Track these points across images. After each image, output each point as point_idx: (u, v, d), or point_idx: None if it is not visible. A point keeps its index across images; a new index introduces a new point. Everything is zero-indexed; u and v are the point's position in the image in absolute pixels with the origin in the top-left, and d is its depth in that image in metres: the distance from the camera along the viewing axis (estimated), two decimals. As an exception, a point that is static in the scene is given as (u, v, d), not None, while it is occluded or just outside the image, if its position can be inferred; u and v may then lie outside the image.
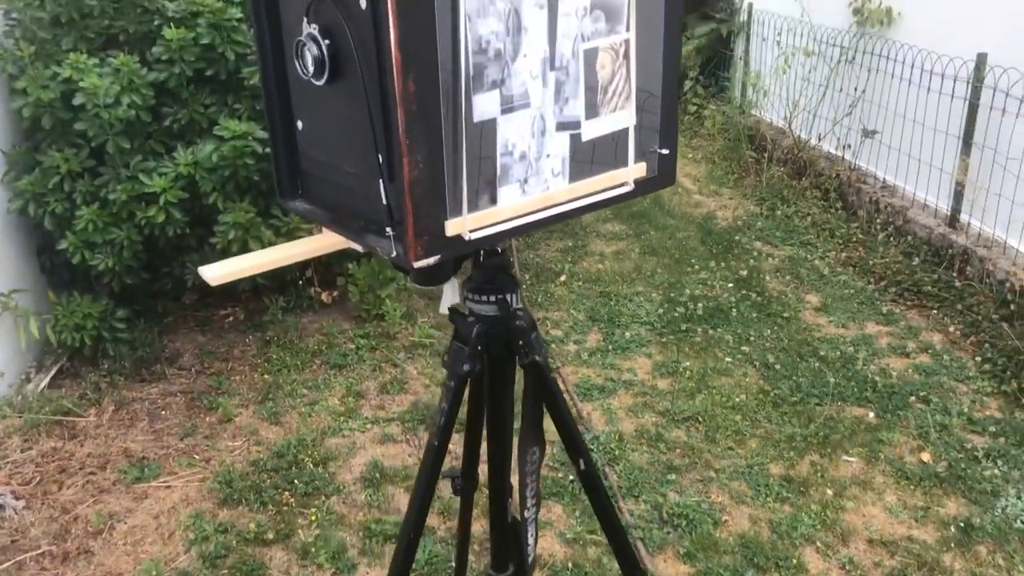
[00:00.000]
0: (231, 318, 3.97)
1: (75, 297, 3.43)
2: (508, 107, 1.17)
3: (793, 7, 5.71)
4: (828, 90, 5.42)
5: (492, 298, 1.42)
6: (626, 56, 1.27)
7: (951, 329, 3.85)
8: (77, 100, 3.15)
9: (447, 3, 1.08)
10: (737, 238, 4.89)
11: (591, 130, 1.28)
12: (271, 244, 3.42)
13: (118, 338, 3.50)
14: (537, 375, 1.47)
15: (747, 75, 6.43)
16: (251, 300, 4.01)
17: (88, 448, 3.09)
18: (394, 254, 1.16)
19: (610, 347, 3.73)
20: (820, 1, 5.44)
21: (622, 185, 1.33)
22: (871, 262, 4.46)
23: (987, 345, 3.64)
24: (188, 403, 3.37)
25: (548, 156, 1.24)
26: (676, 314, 4.02)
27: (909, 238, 4.50)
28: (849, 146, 5.25)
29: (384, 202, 1.14)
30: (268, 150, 3.33)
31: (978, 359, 3.59)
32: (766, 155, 5.79)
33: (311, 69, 1.17)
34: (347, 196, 1.26)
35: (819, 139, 5.52)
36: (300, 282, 4.02)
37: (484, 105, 1.15)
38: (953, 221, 4.35)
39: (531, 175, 1.23)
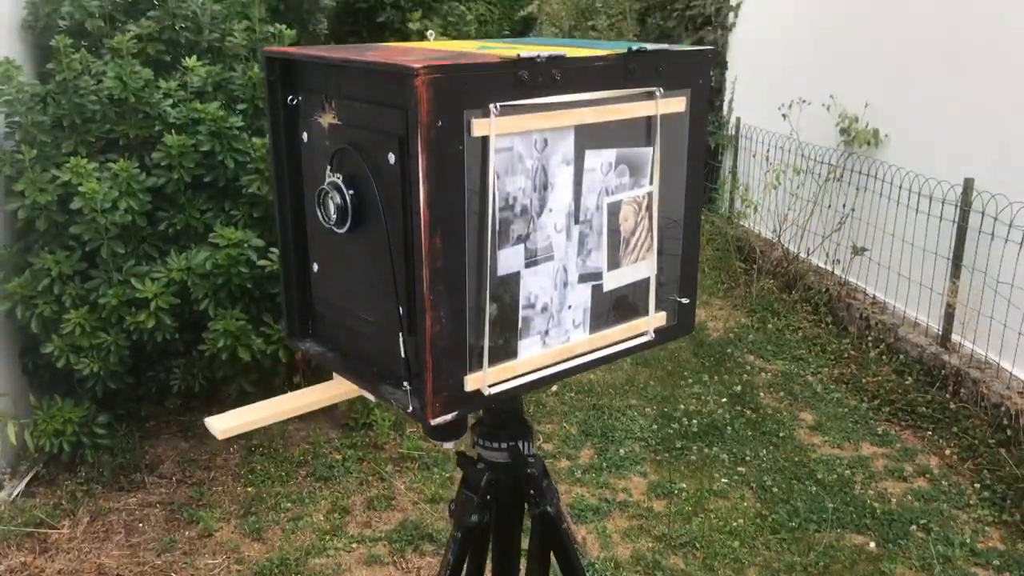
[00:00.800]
0: (215, 424, 3.87)
1: (56, 401, 3.34)
2: (532, 260, 1.15)
3: (781, 124, 5.85)
4: (817, 206, 5.50)
5: (504, 445, 1.37)
6: (648, 208, 1.26)
7: (947, 452, 3.81)
8: (75, 204, 3.13)
9: (476, 162, 1.06)
10: (729, 351, 4.87)
11: (613, 281, 1.25)
12: (261, 353, 3.36)
13: (98, 444, 3.40)
14: (548, 526, 1.41)
15: (735, 187, 6.54)
16: (237, 405, 3.91)
17: (60, 563, 2.96)
18: (411, 408, 1.12)
19: (604, 464, 3.65)
20: (808, 119, 5.58)
21: (642, 335, 1.30)
22: (864, 380, 4.44)
23: (985, 472, 3.59)
24: (167, 515, 3.25)
25: (570, 307, 1.21)
26: (671, 431, 3.96)
27: (901, 356, 4.50)
28: (838, 261, 5.30)
29: (403, 355, 1.11)
30: (262, 261, 3.31)
31: (977, 486, 3.53)
32: (755, 266, 5.84)
33: (333, 217, 1.15)
34: (362, 343, 1.23)
35: (808, 253, 5.58)
36: (287, 387, 3.94)
37: (509, 259, 1.12)
38: (945, 341, 4.36)
39: (552, 327, 1.20)
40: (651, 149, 1.22)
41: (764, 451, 3.81)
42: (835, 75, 5.48)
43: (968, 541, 3.19)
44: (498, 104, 1.04)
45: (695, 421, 4.03)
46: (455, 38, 4.41)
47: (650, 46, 1.20)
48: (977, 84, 4.30)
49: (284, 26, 3.61)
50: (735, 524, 3.26)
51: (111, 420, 3.47)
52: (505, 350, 1.16)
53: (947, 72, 4.52)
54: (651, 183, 1.24)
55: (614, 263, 1.25)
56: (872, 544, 3.16)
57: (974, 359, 4.14)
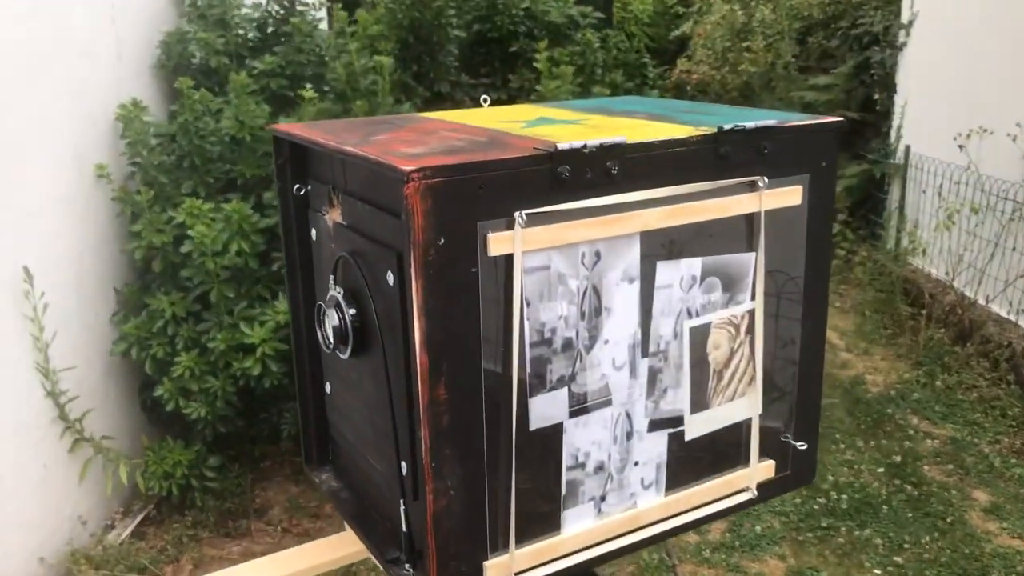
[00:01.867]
0: (328, 468, 3.76)
1: (168, 442, 3.30)
2: (580, 407, 0.87)
3: (957, 154, 5.23)
4: (999, 247, 4.87)
5: None
6: (750, 331, 0.95)
7: None
8: (184, 248, 3.08)
9: (498, 286, 0.80)
10: (890, 410, 4.34)
11: (698, 426, 0.96)
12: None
13: (207, 487, 3.33)
14: None
15: (902, 223, 5.94)
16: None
17: (156, 616, 2.88)
18: None
19: (736, 542, 3.27)
20: (989, 150, 4.95)
21: (741, 492, 0.99)
22: (1052, 453, 3.83)
23: None
24: (267, 569, 3.13)
25: (637, 464, 0.92)
26: (816, 505, 3.52)
27: (1099, 428, 3.86)
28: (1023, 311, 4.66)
29: (404, 527, 0.86)
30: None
31: None
32: (924, 312, 5.24)
33: (331, 339, 0.92)
34: (373, 491, 0.99)
35: (988, 300, 4.94)
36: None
37: (546, 408, 0.85)
38: None
39: (611, 490, 0.91)
40: (752, 255, 0.92)
41: (927, 537, 3.31)
42: (1023, 101, 4.84)
43: None
44: (524, 213, 0.77)
45: (845, 495, 3.57)
46: (581, 67, 4.14)
47: (751, 122, 0.90)
48: None
49: (383, 56, 3.44)
50: (887, 629, 2.81)
51: (222, 462, 3.41)
52: (544, 523, 0.88)
53: None
54: (752, 298, 0.94)
55: (701, 403, 0.95)
56: (1059, 672, 2.64)
57: None
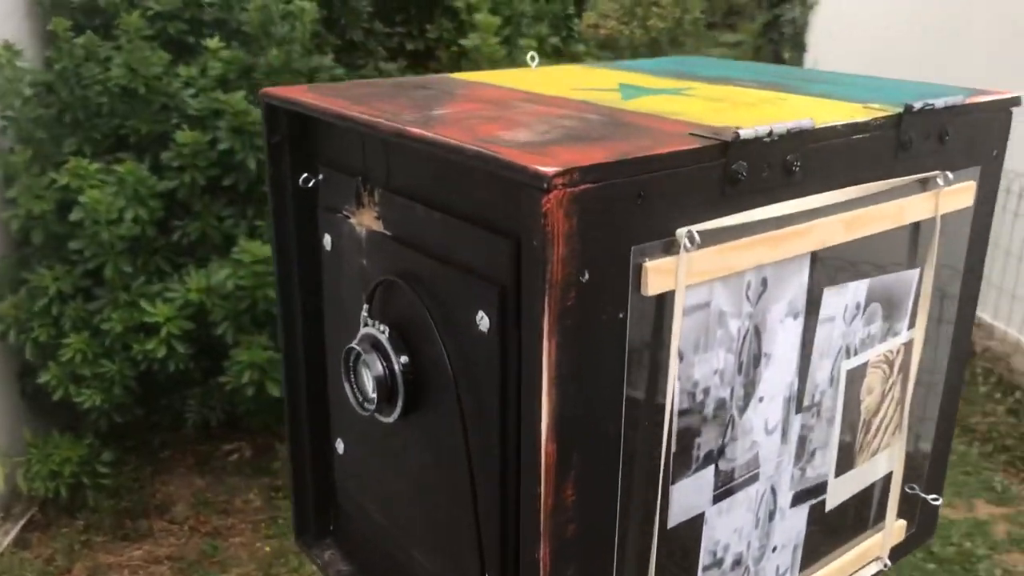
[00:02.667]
0: (236, 455, 3.44)
1: (54, 437, 2.92)
2: (725, 489, 0.65)
3: None
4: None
5: None
6: (903, 368, 0.75)
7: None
8: (74, 215, 2.67)
9: (644, 337, 0.56)
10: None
11: (840, 492, 0.75)
12: (288, 387, 2.90)
13: (100, 485, 2.97)
14: None
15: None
16: (263, 434, 3.47)
17: (49, 638, 2.54)
18: None
19: None
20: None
21: (874, 561, 0.79)
22: (972, 419, 3.87)
23: None
24: (175, 575, 2.82)
25: (775, 550, 0.71)
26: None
27: (1016, 393, 3.93)
28: (938, 276, 4.72)
29: None
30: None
31: (1124, 565, 2.98)
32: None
33: (372, 395, 0.66)
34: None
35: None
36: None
37: (688, 496, 0.62)
38: (1071, 379, 3.78)
39: (745, 584, 0.70)
40: (916, 272, 0.71)
41: (865, 510, 3.27)
42: (940, 58, 4.85)
43: (1124, 643, 2.64)
44: (696, 230, 0.53)
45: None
46: (508, 18, 3.86)
47: (937, 98, 0.68)
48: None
49: (308, 2, 3.08)
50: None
51: (117, 456, 3.05)
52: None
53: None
54: (911, 326, 0.73)
55: (846, 463, 0.74)
56: (1011, 648, 2.63)
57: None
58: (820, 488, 0.72)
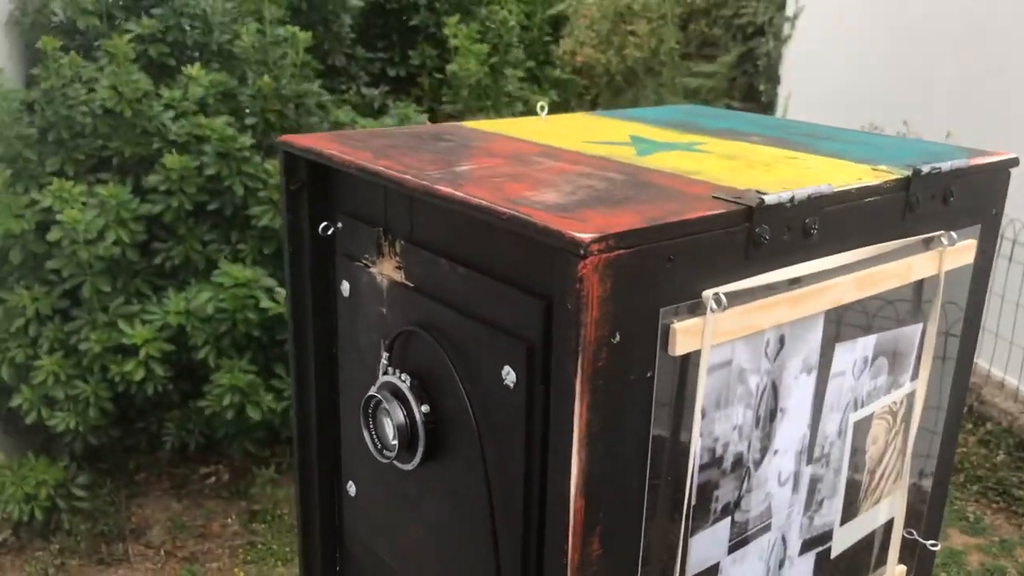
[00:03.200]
0: (213, 479, 3.40)
1: (29, 459, 2.88)
2: (740, 539, 0.67)
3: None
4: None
5: None
6: (906, 418, 0.77)
7: (1049, 547, 3.31)
8: (51, 236, 2.65)
9: (668, 392, 0.57)
10: None
11: (845, 539, 0.77)
12: (271, 411, 2.88)
13: (76, 508, 2.93)
14: None
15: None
16: (241, 458, 3.44)
17: (20, 666, 2.49)
18: None
19: None
20: None
21: (873, 608, 0.81)
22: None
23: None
24: (152, 601, 2.78)
25: (784, 598, 0.72)
26: None
27: (987, 424, 3.99)
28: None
29: None
30: (273, 304, 2.83)
31: (1092, 596, 3.03)
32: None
33: (392, 443, 0.67)
34: None
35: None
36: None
37: (706, 547, 0.64)
38: (1039, 409, 3.85)
39: (755, 635, 0.71)
40: (920, 327, 0.74)
41: (840, 538, 3.30)
42: (910, 97, 4.96)
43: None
44: (722, 292, 0.55)
45: None
46: (495, 45, 3.90)
47: (942, 162, 0.71)
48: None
49: (299, 28, 3.11)
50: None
51: (93, 479, 3.01)
52: None
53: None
54: (913, 378, 0.75)
55: (851, 511, 0.76)
56: (984, 678, 2.67)
57: (1077, 434, 3.63)
58: (827, 536, 0.74)
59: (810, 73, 6.30)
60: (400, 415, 0.68)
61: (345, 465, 0.82)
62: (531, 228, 0.55)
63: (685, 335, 0.56)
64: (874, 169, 0.69)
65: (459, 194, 0.61)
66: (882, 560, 0.80)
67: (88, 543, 2.94)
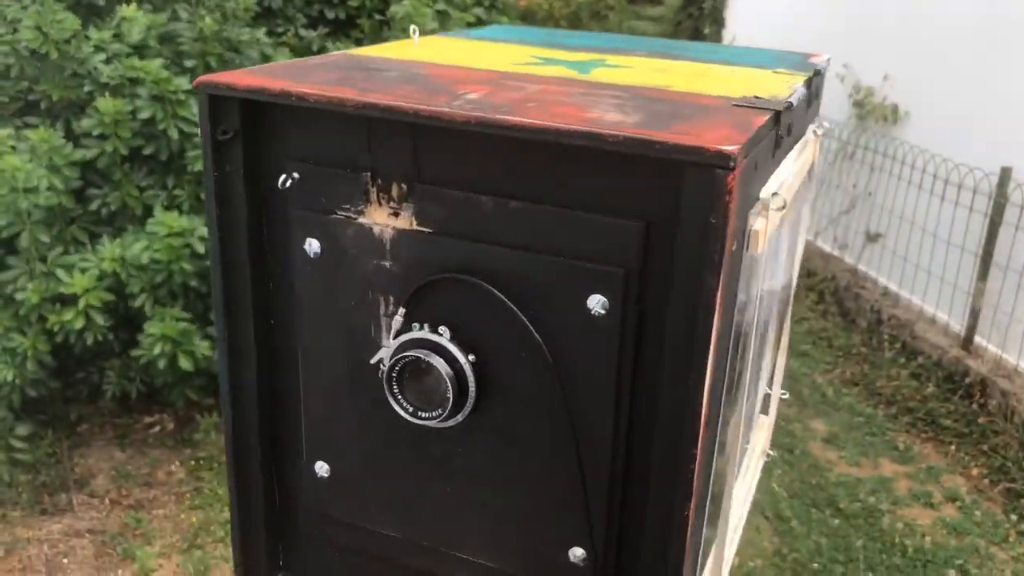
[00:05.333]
0: (158, 428, 3.39)
1: (-35, 412, 2.83)
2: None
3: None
4: (825, 185, 5.09)
5: None
6: (788, 291, 0.82)
7: (975, 472, 3.46)
8: (-15, 183, 2.59)
9: (745, 291, 0.64)
10: (729, 345, 4.47)
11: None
12: (206, 359, 2.87)
13: (15, 460, 2.90)
14: None
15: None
16: (184, 407, 3.43)
17: (-35, 615, 2.48)
18: None
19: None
20: (820, 90, 5.11)
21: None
22: (878, 383, 4.07)
23: (1021, 500, 3.25)
24: (97, 548, 2.78)
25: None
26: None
27: (919, 358, 4.13)
28: (847, 246, 4.91)
29: None
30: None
31: (1013, 516, 3.19)
32: (754, 247, 5.42)
33: (436, 402, 0.67)
34: None
35: (815, 236, 5.17)
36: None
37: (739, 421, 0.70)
38: (967, 343, 4.00)
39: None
40: (806, 207, 0.80)
41: (778, 470, 3.43)
42: (849, 41, 5.02)
43: (1011, 587, 2.84)
44: (776, 191, 0.61)
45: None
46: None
47: (817, 63, 0.76)
48: (1020, 61, 3.87)
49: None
50: (751, 565, 2.88)
51: (33, 430, 2.98)
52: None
53: (984, 45, 4.08)
54: (795, 259, 0.82)
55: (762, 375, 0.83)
56: (910, 595, 2.80)
57: (1001, 366, 3.78)
58: (766, 397, 0.80)
59: (753, 17, 6.32)
60: (446, 369, 0.66)
61: (311, 446, 0.77)
62: (661, 148, 0.56)
63: (761, 235, 0.60)
64: (775, 72, 0.73)
65: (544, 122, 0.59)
66: (765, 410, 0.86)
67: (30, 494, 2.92)
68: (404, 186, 0.66)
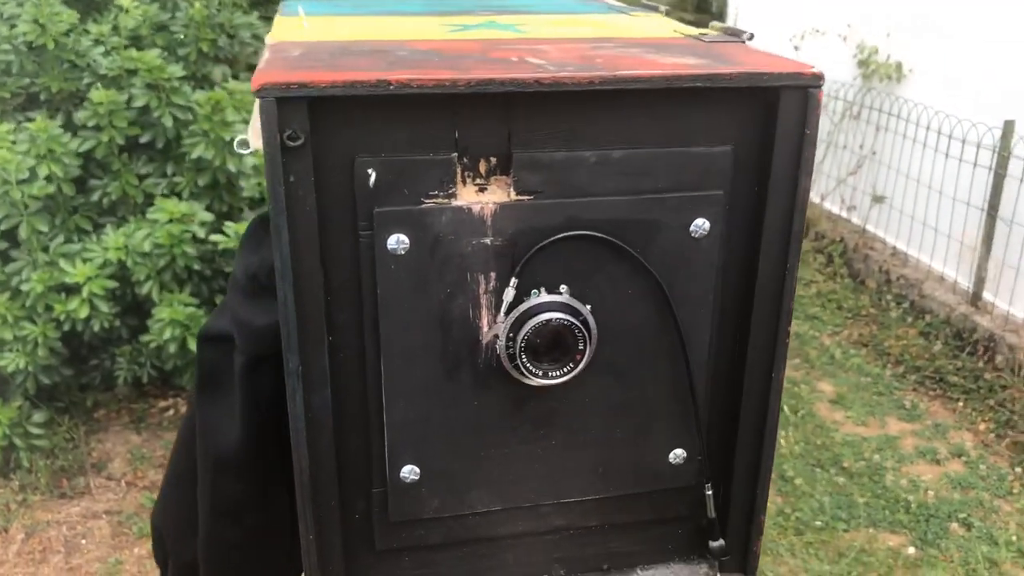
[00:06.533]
0: (171, 411, 3.47)
1: (-17, 399, 2.92)
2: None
3: (792, 55, 5.33)
4: (831, 147, 5.05)
5: None
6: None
7: (981, 428, 3.46)
8: (-17, 177, 2.66)
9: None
10: (737, 310, 4.47)
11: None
12: (216, 340, 2.93)
13: (34, 446, 2.99)
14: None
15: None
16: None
17: (-12, 595, 2.58)
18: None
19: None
20: (822, 51, 5.07)
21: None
22: (886, 342, 4.06)
23: (1027, 453, 3.24)
24: (114, 528, 2.87)
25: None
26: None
27: (927, 316, 4.12)
28: (855, 207, 4.88)
29: (711, 514, 0.81)
30: (213, 236, 2.85)
31: (1018, 469, 3.19)
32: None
33: (582, 346, 0.73)
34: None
35: (821, 198, 5.14)
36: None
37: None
38: (976, 300, 3.98)
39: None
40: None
41: (782, 431, 3.44)
42: (851, 2, 4.97)
43: (1014, 539, 2.85)
44: None
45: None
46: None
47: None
48: (1020, 15, 3.82)
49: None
50: (755, 525, 2.91)
51: (50, 416, 3.06)
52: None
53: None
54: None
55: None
56: (911, 549, 2.82)
57: (1009, 322, 3.76)
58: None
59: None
60: (576, 325, 0.69)
61: (395, 453, 0.74)
62: (769, 77, 0.67)
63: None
64: (632, 16, 0.82)
65: (658, 72, 0.65)
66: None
67: (48, 479, 3.01)
68: (493, 160, 0.66)
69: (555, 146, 0.66)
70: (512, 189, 0.67)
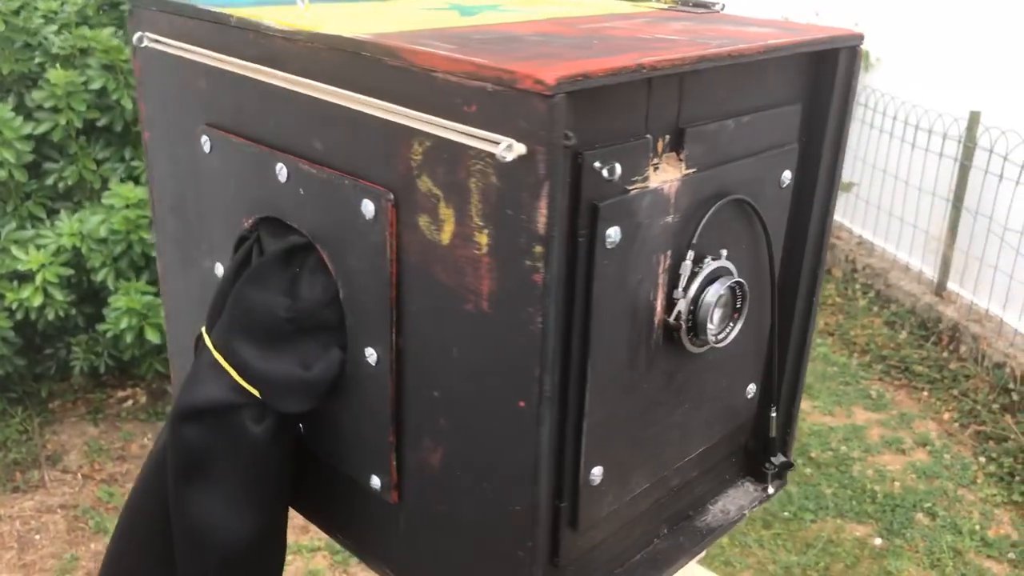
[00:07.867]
0: (130, 402, 3.39)
1: (-68, 392, 2.83)
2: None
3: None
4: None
5: None
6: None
7: (946, 417, 3.49)
8: (-70, 161, 2.56)
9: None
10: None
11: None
12: (175, 330, 2.85)
13: (-14, 438, 2.90)
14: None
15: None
16: (156, 379, 3.43)
17: (-62, 593, 2.50)
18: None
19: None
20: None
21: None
22: (852, 332, 4.08)
23: (989, 442, 3.28)
24: (70, 523, 2.79)
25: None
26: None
27: (892, 306, 4.14)
28: (821, 197, 4.89)
29: (773, 434, 0.90)
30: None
31: (981, 459, 3.22)
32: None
33: (728, 319, 0.76)
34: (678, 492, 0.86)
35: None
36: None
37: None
38: (940, 290, 4.01)
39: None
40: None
41: (750, 422, 3.44)
42: (821, -11, 4.97)
43: (978, 529, 2.88)
44: None
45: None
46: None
47: None
48: (987, 4, 3.83)
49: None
50: (723, 516, 2.90)
51: (3, 407, 2.98)
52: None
53: (953, -11, 4.04)
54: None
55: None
56: (878, 540, 2.83)
57: (973, 312, 3.79)
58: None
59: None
60: (738, 284, 0.74)
61: (589, 455, 0.69)
62: (841, 39, 0.76)
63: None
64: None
65: (785, 40, 0.72)
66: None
67: (1, 472, 2.92)
68: (667, 137, 0.67)
69: (709, 118, 0.70)
70: (684, 164, 0.68)
